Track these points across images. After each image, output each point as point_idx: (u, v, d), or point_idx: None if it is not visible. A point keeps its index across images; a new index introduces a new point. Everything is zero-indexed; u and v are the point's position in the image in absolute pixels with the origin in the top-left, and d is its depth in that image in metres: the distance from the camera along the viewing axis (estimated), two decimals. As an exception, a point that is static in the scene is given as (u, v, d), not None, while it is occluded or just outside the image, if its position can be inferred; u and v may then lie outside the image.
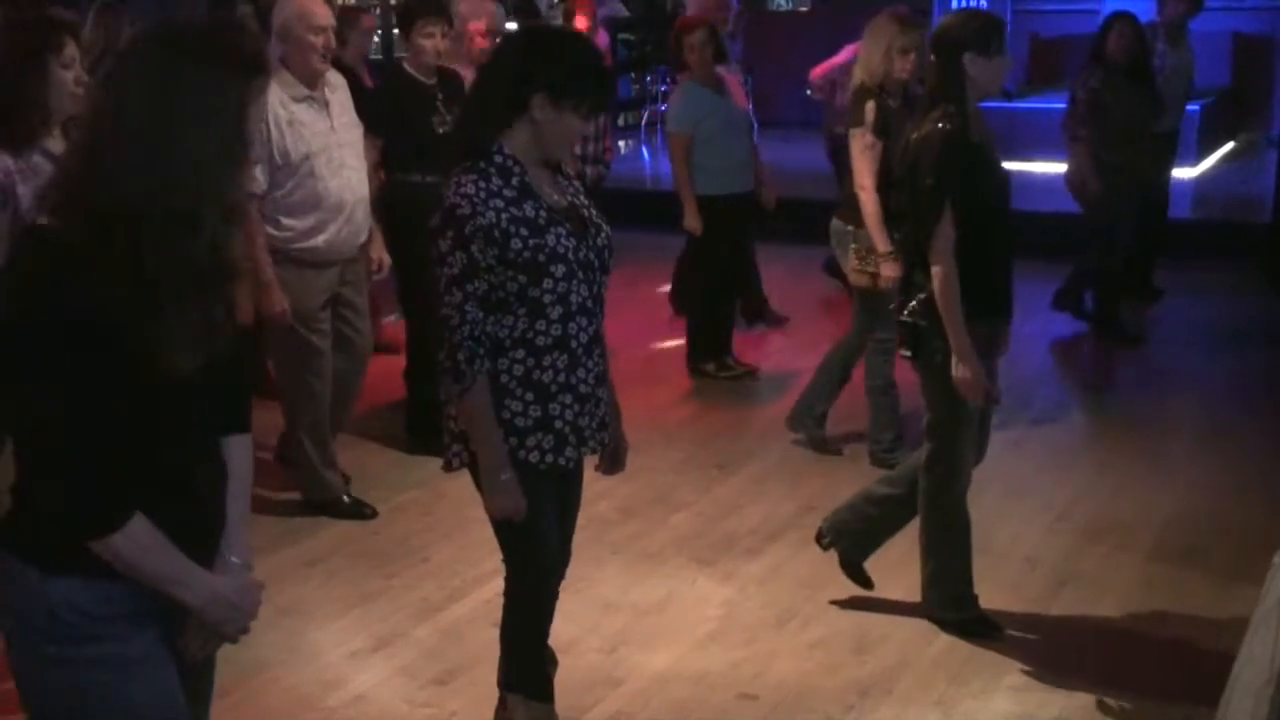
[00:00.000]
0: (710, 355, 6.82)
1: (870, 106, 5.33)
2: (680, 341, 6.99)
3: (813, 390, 5.78)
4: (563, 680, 3.84)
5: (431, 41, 5.50)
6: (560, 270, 2.97)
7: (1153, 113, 7.33)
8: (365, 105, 5.63)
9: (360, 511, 5.09)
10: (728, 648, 4.08)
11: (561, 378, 3.04)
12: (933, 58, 4.03)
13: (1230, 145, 12.88)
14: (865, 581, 4.35)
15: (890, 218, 5.12)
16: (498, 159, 2.99)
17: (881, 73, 5.33)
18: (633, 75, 14.81)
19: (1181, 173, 11.04)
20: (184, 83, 1.97)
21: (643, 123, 14.55)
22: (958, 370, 3.88)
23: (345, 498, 5.14)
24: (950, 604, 4.15)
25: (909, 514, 4.25)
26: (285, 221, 4.73)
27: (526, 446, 3.04)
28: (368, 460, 5.68)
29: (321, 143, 4.74)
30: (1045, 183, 9.21)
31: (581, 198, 3.16)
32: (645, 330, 7.68)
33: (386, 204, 5.44)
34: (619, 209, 9.32)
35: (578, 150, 6.64)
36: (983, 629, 4.11)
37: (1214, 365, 7.15)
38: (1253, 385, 6.75)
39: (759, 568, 4.61)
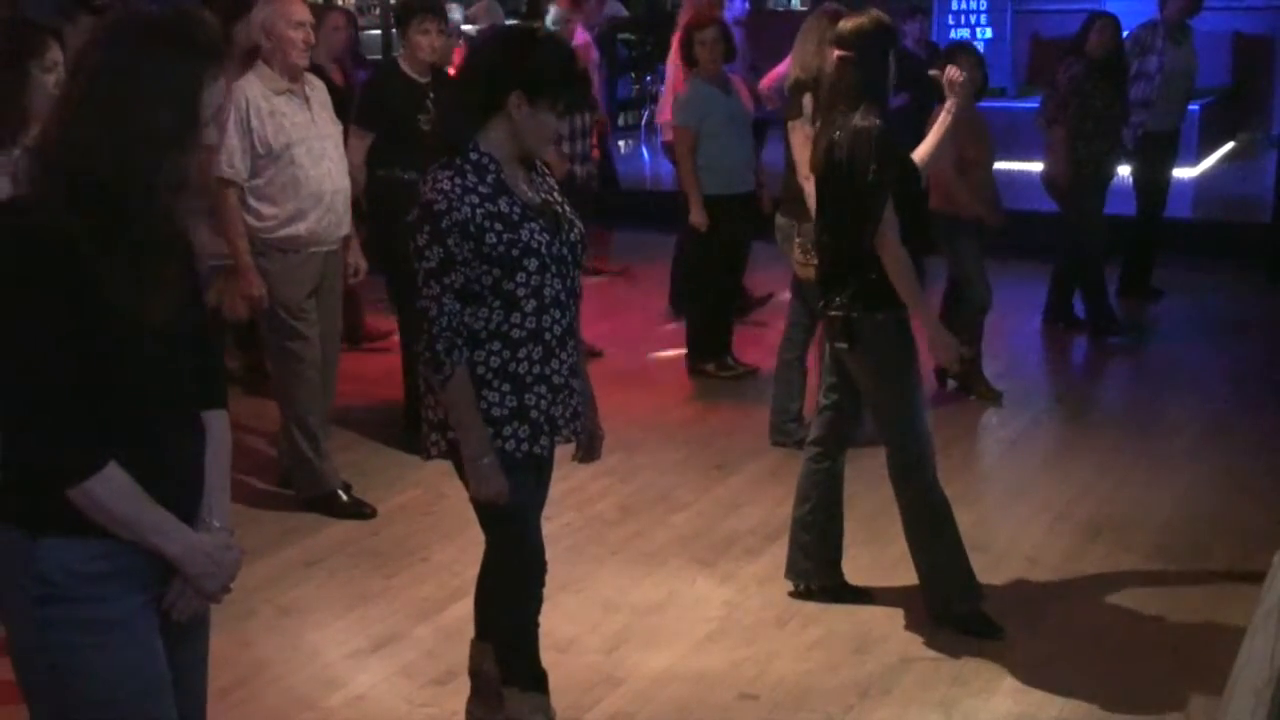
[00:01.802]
0: (710, 355, 6.82)
1: (808, 99, 5.43)
2: (680, 341, 6.99)
3: (779, 397, 5.81)
4: (563, 680, 3.84)
5: (427, 39, 5.58)
6: (534, 264, 3.06)
7: (1124, 112, 7.42)
8: (356, 100, 5.70)
9: (360, 511, 5.09)
10: (728, 648, 4.09)
11: (536, 369, 3.12)
12: (852, 56, 4.06)
13: (1230, 145, 12.88)
14: (859, 595, 4.37)
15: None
16: (473, 156, 3.07)
17: (815, 67, 5.43)
18: (633, 75, 14.81)
19: (1181, 173, 11.01)
20: (141, 66, 2.15)
21: (643, 123, 14.56)
22: (932, 341, 4.01)
23: (343, 495, 5.14)
24: (952, 597, 4.16)
25: (835, 511, 4.33)
26: (267, 210, 4.88)
27: (503, 436, 3.12)
28: (368, 460, 5.68)
29: (302, 134, 4.88)
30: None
31: (556, 194, 3.24)
32: (645, 330, 7.68)
33: (368, 199, 5.51)
34: (618, 209, 9.36)
35: (565, 149, 6.66)
36: (983, 628, 4.11)
37: (1214, 364, 7.16)
38: (1253, 384, 6.75)
39: (759, 568, 4.60)
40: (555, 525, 4.98)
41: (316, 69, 6.78)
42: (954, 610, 4.15)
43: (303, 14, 4.89)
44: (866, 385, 4.14)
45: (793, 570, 4.41)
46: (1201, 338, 7.64)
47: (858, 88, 4.03)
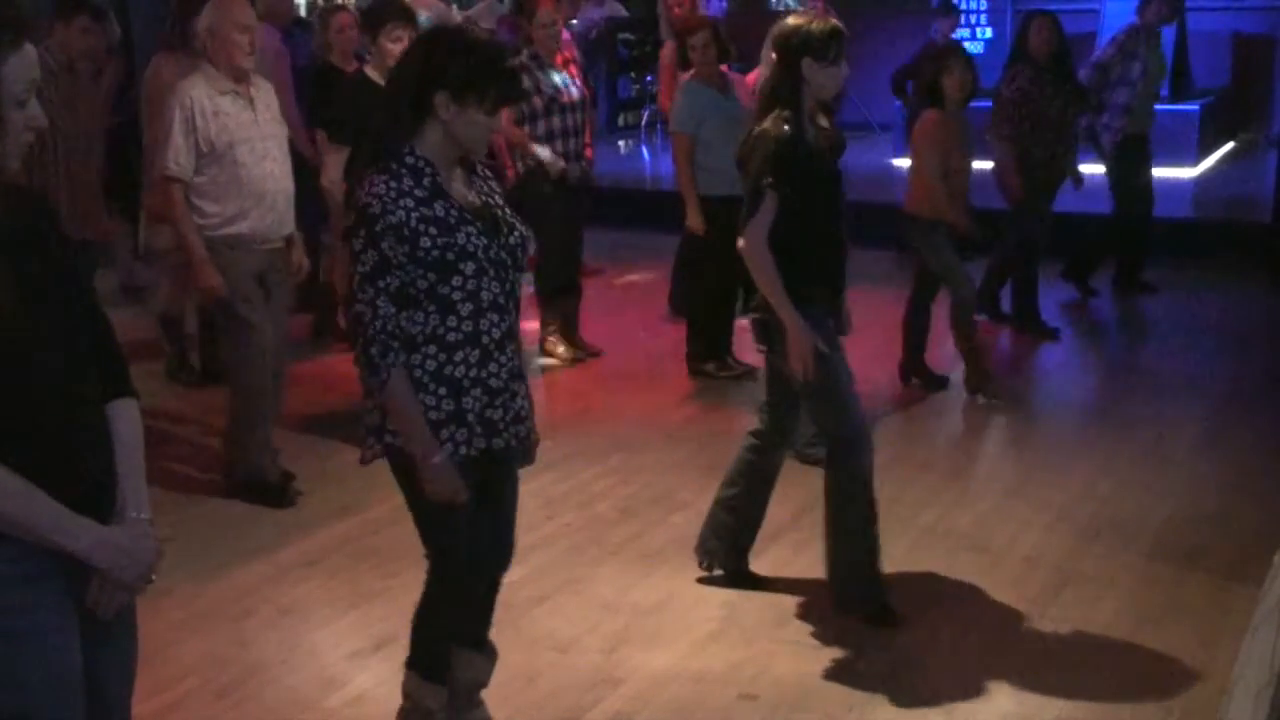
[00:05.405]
0: (710, 355, 6.82)
1: None
2: (680, 341, 6.99)
3: None
4: (563, 680, 3.85)
5: (398, 46, 5.64)
6: (470, 268, 3.05)
7: (1079, 108, 7.39)
8: (329, 114, 5.77)
9: (290, 500, 5.19)
10: (728, 648, 4.09)
11: (474, 372, 3.12)
12: (774, 58, 4.13)
13: (1230, 145, 12.89)
14: (759, 584, 4.41)
15: None
16: (409, 160, 3.07)
17: None
18: (633, 75, 14.81)
19: (1181, 173, 11.05)
20: None
21: (643, 123, 14.56)
22: (790, 342, 4.02)
23: (276, 482, 5.24)
24: (853, 593, 4.19)
25: (760, 501, 4.38)
26: (210, 208, 4.98)
27: (440, 439, 3.10)
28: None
29: (245, 133, 4.98)
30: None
31: (496, 198, 3.23)
32: (645, 330, 7.69)
33: (349, 209, 5.55)
34: (619, 209, 9.36)
35: (559, 148, 6.65)
36: (886, 617, 4.15)
37: (1214, 365, 7.15)
38: (1253, 385, 6.75)
39: (759, 568, 4.60)
40: (555, 525, 4.99)
41: (332, 69, 6.79)
42: (853, 605, 4.18)
43: (247, 17, 4.98)
44: (795, 383, 4.14)
45: (702, 549, 4.46)
46: (1201, 338, 7.64)
47: (772, 92, 4.11)
